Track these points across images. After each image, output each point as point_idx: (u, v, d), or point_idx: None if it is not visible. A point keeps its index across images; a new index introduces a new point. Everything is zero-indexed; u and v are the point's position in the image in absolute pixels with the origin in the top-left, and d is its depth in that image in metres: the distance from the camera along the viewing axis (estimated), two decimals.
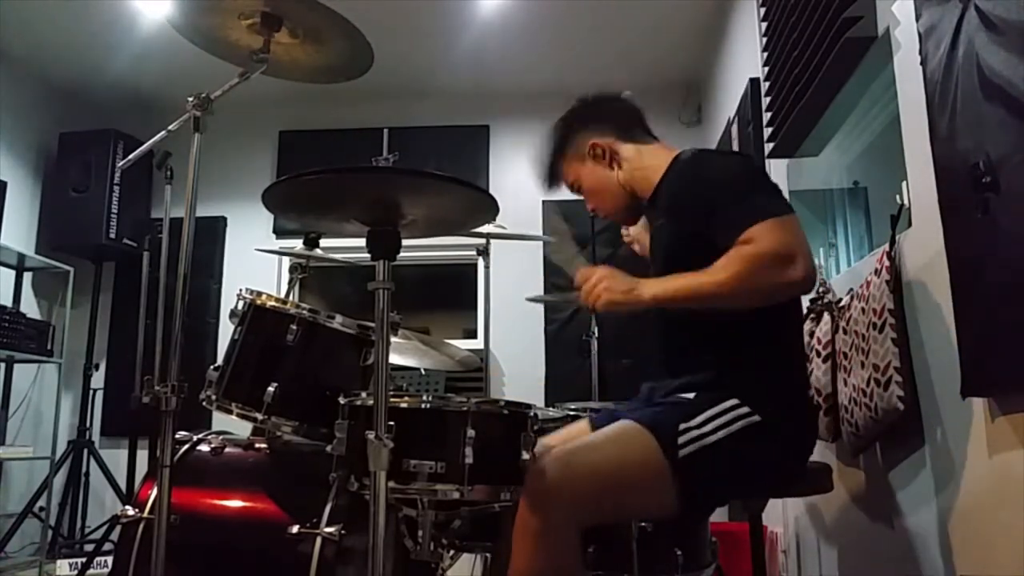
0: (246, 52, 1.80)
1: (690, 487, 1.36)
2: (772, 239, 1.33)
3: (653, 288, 1.39)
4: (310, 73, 1.98)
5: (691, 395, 1.44)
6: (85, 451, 4.08)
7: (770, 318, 1.45)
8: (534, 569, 1.31)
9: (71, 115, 4.51)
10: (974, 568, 1.49)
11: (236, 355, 1.79)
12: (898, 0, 1.78)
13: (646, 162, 1.66)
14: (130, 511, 1.72)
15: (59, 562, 3.50)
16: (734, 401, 1.39)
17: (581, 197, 1.77)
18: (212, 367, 1.78)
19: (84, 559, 3.29)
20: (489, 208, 1.37)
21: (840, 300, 2.03)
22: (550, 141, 1.76)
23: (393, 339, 2.19)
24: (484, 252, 2.94)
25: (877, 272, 1.78)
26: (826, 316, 2.08)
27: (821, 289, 2.15)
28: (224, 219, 4.63)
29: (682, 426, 1.37)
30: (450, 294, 4.79)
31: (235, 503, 1.78)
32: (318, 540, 1.58)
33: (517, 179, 4.55)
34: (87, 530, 4.14)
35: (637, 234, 1.98)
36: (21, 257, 3.99)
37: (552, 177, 1.76)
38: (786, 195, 2.67)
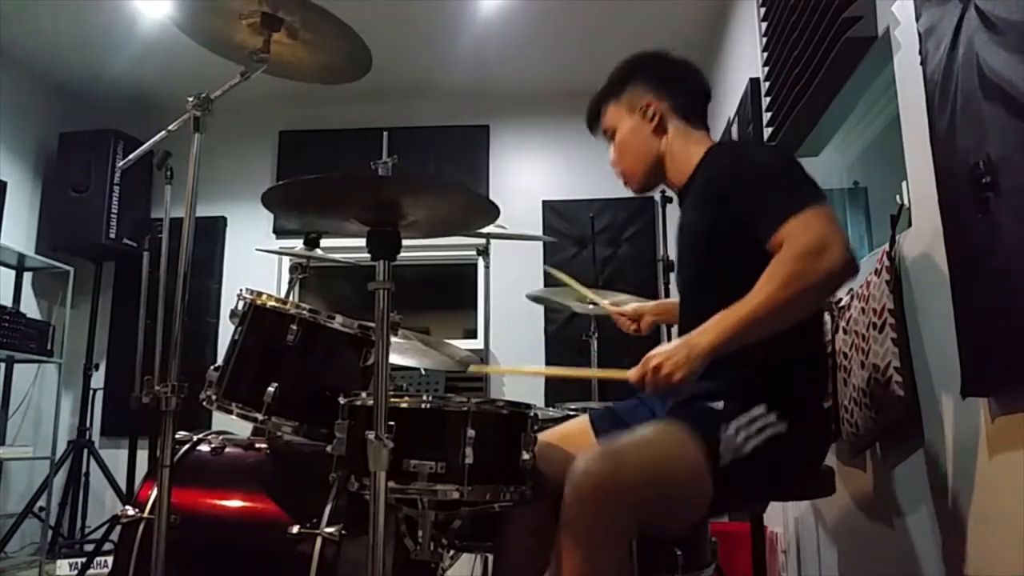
0: (246, 52, 1.80)
1: (725, 496, 1.34)
2: (804, 233, 1.27)
3: (707, 338, 1.29)
4: (310, 73, 1.98)
5: (719, 404, 1.38)
6: (85, 451, 4.08)
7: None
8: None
9: (71, 115, 4.51)
10: (974, 568, 1.49)
11: (236, 355, 1.79)
12: (898, 0, 1.78)
13: (689, 148, 1.61)
14: (130, 511, 1.72)
15: (59, 562, 3.50)
16: (762, 408, 1.36)
17: (608, 143, 1.71)
18: (212, 367, 1.78)
19: (84, 559, 3.29)
20: (489, 210, 1.37)
21: (840, 300, 2.03)
22: (610, 78, 1.70)
23: (393, 339, 2.19)
24: (484, 252, 2.94)
25: (877, 272, 1.78)
26: (826, 316, 2.08)
27: None
28: (224, 219, 4.63)
29: (721, 436, 1.33)
30: (450, 294, 4.79)
31: (235, 503, 1.78)
32: (318, 540, 1.58)
33: (517, 179, 4.55)
34: (87, 530, 4.14)
35: (637, 310, 1.95)
36: (21, 257, 3.99)
37: (594, 113, 1.71)
38: None
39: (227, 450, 1.86)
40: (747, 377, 1.39)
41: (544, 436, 1.59)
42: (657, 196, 3.41)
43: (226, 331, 2.72)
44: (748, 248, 1.34)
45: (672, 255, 3.07)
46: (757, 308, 1.26)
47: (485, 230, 2.77)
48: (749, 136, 3.03)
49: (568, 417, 1.86)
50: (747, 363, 1.39)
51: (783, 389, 1.40)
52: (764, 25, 2.81)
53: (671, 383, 1.27)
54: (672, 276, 2.50)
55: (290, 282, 2.48)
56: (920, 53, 1.60)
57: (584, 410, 1.86)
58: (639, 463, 1.30)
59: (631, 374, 1.32)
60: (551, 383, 4.15)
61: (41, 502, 3.80)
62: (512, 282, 3.82)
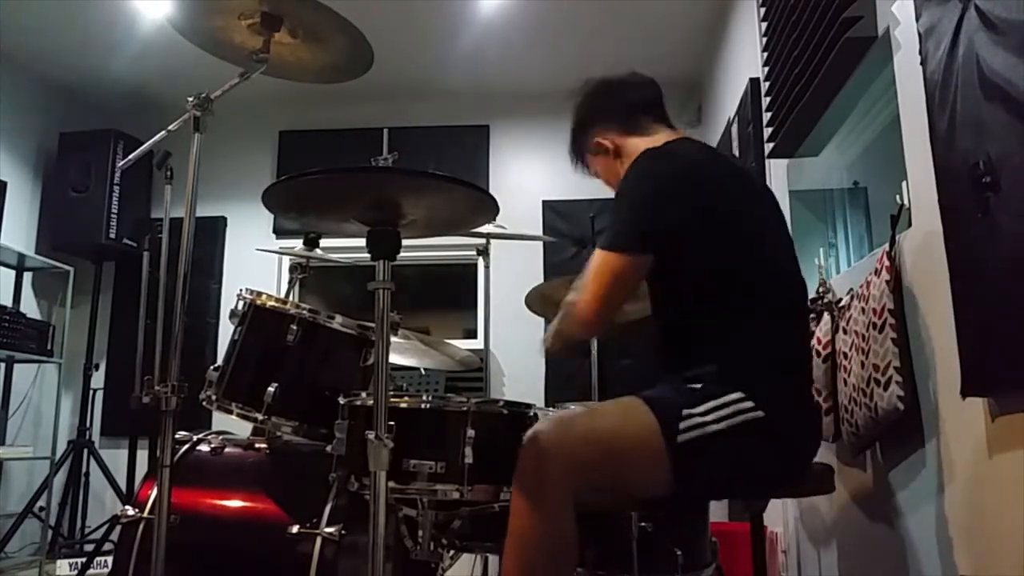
0: (246, 52, 1.80)
1: (685, 471, 1.36)
2: (584, 275, 1.46)
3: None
4: (310, 73, 1.98)
5: (697, 385, 1.42)
6: (85, 451, 4.08)
7: (773, 315, 1.46)
8: (528, 528, 1.31)
9: (71, 115, 4.51)
10: (974, 568, 1.49)
11: (236, 355, 1.79)
12: (898, 0, 1.78)
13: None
14: (130, 511, 1.72)
15: (59, 562, 3.50)
16: (739, 394, 1.38)
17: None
18: (212, 367, 1.78)
19: (84, 559, 3.29)
20: (489, 208, 1.37)
21: (840, 300, 2.03)
22: (570, 137, 1.81)
23: (393, 339, 2.19)
24: (484, 252, 2.94)
25: (877, 272, 1.78)
26: (826, 316, 2.08)
27: (821, 289, 2.15)
28: (224, 219, 4.63)
29: (685, 411, 1.36)
30: (450, 294, 4.79)
31: (235, 503, 1.78)
32: (318, 540, 1.58)
33: (517, 179, 4.55)
34: (87, 530, 4.14)
35: None
36: (21, 257, 3.99)
37: (582, 166, 1.82)
38: (786, 195, 2.71)
39: (227, 450, 1.86)
40: (727, 366, 1.42)
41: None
42: None
43: (226, 331, 2.72)
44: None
45: None
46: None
47: (485, 230, 2.77)
48: (748, 136, 3.03)
49: None
50: (727, 355, 1.44)
51: (764, 380, 1.42)
52: (764, 25, 2.81)
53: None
54: None
55: (290, 282, 2.48)
56: (920, 53, 1.60)
57: None
58: (585, 427, 1.38)
59: None
60: (552, 382, 4.15)
61: (41, 502, 3.80)
62: (512, 282, 3.82)
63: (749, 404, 1.38)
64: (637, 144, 1.67)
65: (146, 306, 3.21)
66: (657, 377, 1.58)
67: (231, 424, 1.87)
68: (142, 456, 3.38)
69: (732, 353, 1.44)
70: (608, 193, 1.67)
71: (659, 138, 1.67)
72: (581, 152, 1.79)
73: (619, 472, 1.39)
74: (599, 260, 1.45)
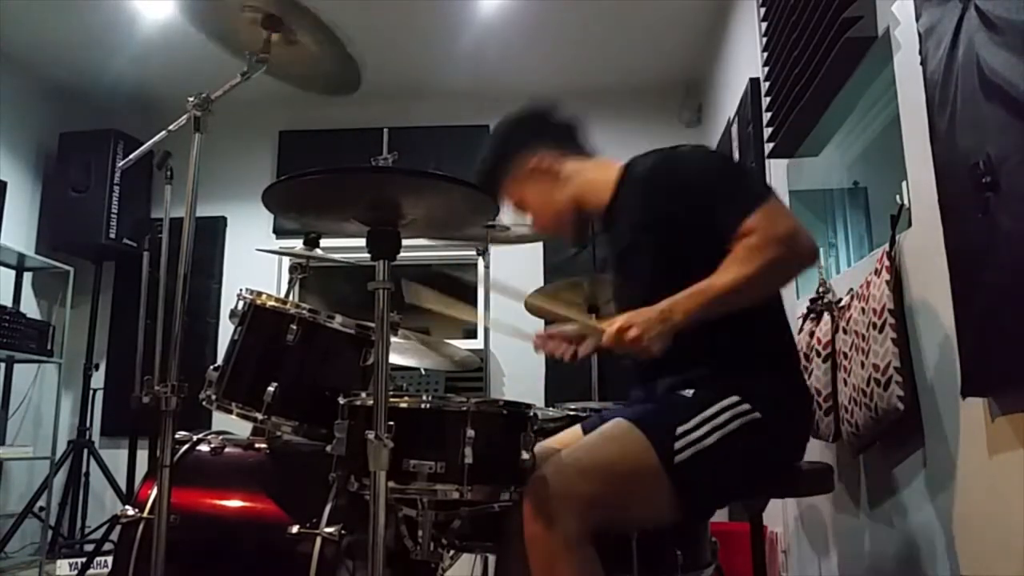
0: (248, 48, 1.80)
1: (688, 492, 1.35)
2: (773, 224, 1.35)
3: (682, 306, 1.33)
4: (305, 80, 1.99)
5: (689, 392, 1.41)
6: (85, 451, 4.08)
7: (761, 312, 1.45)
8: None
9: (71, 115, 4.51)
10: (974, 568, 1.49)
11: (236, 355, 1.79)
12: (898, 0, 1.78)
13: (592, 176, 1.63)
14: (130, 511, 1.72)
15: (59, 562, 3.50)
16: (735, 398, 1.38)
17: (526, 217, 1.73)
18: (212, 367, 1.78)
19: (84, 559, 3.29)
20: (489, 208, 1.37)
21: (840, 300, 2.03)
22: (486, 164, 1.69)
23: (393, 339, 2.19)
24: (484, 252, 2.94)
25: (877, 272, 1.78)
26: (826, 316, 2.08)
27: (821, 289, 2.15)
28: (224, 219, 4.63)
29: (679, 430, 1.35)
30: (450, 294, 4.78)
31: (235, 503, 1.78)
32: (318, 540, 1.58)
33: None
34: (87, 530, 4.13)
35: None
36: (21, 257, 3.99)
37: (493, 196, 1.65)
38: (786, 195, 2.71)
39: (227, 450, 1.86)
40: (721, 367, 1.42)
41: (543, 444, 1.59)
42: None
43: (226, 331, 2.71)
44: (711, 255, 1.38)
45: None
46: (731, 285, 1.33)
47: (485, 231, 2.77)
48: (748, 136, 3.03)
49: (568, 417, 1.86)
50: (719, 356, 1.43)
51: (759, 379, 1.42)
52: (764, 25, 2.81)
53: (642, 348, 1.31)
54: None
55: (290, 282, 2.48)
56: (920, 53, 1.60)
57: (584, 411, 1.87)
58: (577, 465, 1.35)
59: (607, 339, 1.35)
60: (551, 383, 4.15)
61: (41, 502, 3.80)
62: (512, 282, 3.82)
63: (745, 407, 1.37)
64: (578, 167, 1.64)
65: (146, 306, 3.21)
66: (643, 376, 1.57)
67: (231, 424, 1.87)
68: (142, 456, 3.38)
69: (725, 352, 1.44)
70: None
71: (600, 164, 1.65)
72: (503, 174, 1.66)
73: (622, 502, 1.36)
74: (769, 213, 1.36)
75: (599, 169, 1.64)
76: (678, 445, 1.34)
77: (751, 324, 1.44)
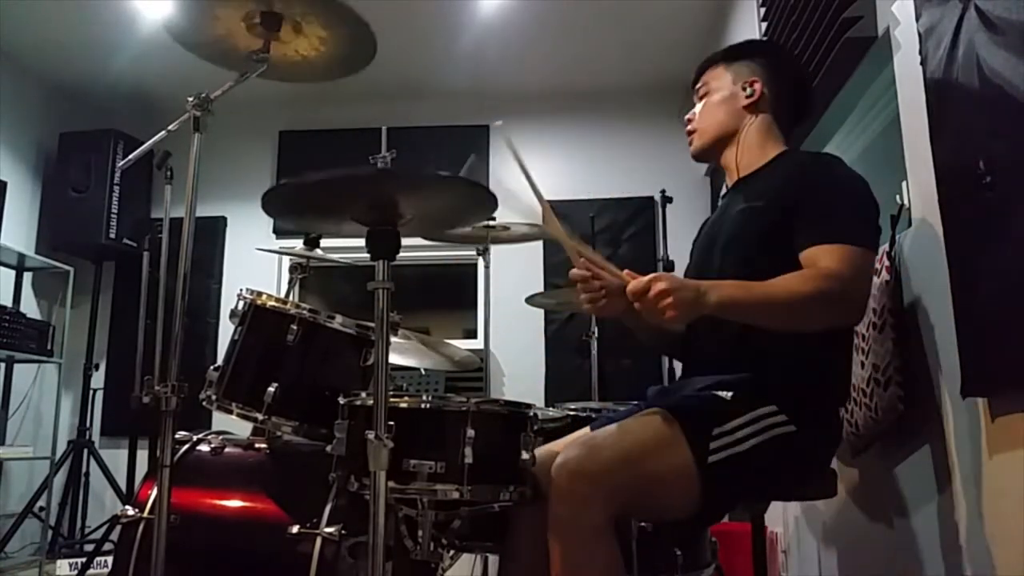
0: (246, 55, 1.79)
1: (713, 493, 1.33)
2: (850, 267, 1.33)
3: (719, 292, 1.29)
4: (312, 71, 1.97)
5: (727, 394, 1.38)
6: (85, 451, 4.08)
7: (830, 336, 1.43)
8: (578, 570, 1.26)
9: (71, 115, 4.51)
10: (974, 568, 1.49)
11: (236, 355, 1.79)
12: (898, 0, 1.78)
13: (764, 144, 1.62)
14: (130, 511, 1.72)
15: (59, 562, 3.49)
16: (772, 408, 1.36)
17: (696, 100, 1.74)
18: (212, 367, 1.78)
19: (84, 559, 3.28)
20: (487, 204, 1.37)
21: None
22: (730, 45, 1.73)
23: (393, 339, 2.19)
24: (484, 252, 2.94)
25: (877, 272, 1.78)
26: None
27: None
28: (224, 219, 4.63)
29: (716, 431, 1.32)
30: (450, 294, 4.78)
31: (235, 503, 1.78)
32: (318, 540, 1.58)
33: (517, 179, 4.54)
34: (87, 530, 4.13)
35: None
36: (21, 257, 3.98)
37: (702, 69, 1.75)
38: None
39: (227, 450, 1.86)
40: (762, 374, 1.39)
41: (546, 447, 1.58)
42: (657, 196, 3.42)
43: (226, 331, 2.71)
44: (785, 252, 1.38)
45: (671, 255, 3.08)
46: (774, 298, 1.30)
47: (485, 231, 2.76)
48: None
49: (567, 417, 1.86)
50: (764, 363, 1.40)
51: (798, 394, 1.39)
52: (764, 25, 2.81)
53: (663, 314, 1.25)
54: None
55: (290, 282, 2.48)
56: (920, 53, 1.60)
57: (584, 410, 1.87)
58: (613, 450, 1.31)
59: (633, 284, 1.30)
60: (551, 383, 4.15)
61: (41, 502, 3.80)
62: (512, 282, 3.82)
63: (782, 418, 1.35)
64: (766, 125, 1.63)
65: (146, 306, 3.21)
66: (684, 369, 1.56)
67: (231, 424, 1.87)
68: (142, 456, 3.37)
69: (775, 366, 1.40)
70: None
71: (779, 143, 1.64)
72: (728, 61, 1.69)
73: (649, 493, 1.33)
74: (853, 254, 1.35)
75: (772, 142, 1.63)
76: (713, 446, 1.31)
77: (816, 343, 1.40)
